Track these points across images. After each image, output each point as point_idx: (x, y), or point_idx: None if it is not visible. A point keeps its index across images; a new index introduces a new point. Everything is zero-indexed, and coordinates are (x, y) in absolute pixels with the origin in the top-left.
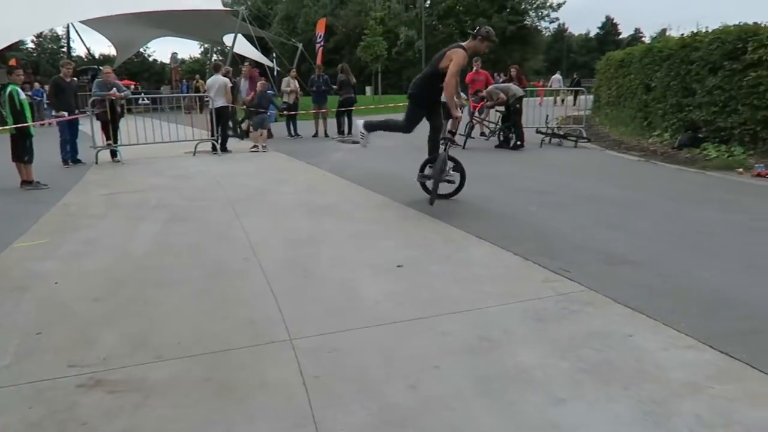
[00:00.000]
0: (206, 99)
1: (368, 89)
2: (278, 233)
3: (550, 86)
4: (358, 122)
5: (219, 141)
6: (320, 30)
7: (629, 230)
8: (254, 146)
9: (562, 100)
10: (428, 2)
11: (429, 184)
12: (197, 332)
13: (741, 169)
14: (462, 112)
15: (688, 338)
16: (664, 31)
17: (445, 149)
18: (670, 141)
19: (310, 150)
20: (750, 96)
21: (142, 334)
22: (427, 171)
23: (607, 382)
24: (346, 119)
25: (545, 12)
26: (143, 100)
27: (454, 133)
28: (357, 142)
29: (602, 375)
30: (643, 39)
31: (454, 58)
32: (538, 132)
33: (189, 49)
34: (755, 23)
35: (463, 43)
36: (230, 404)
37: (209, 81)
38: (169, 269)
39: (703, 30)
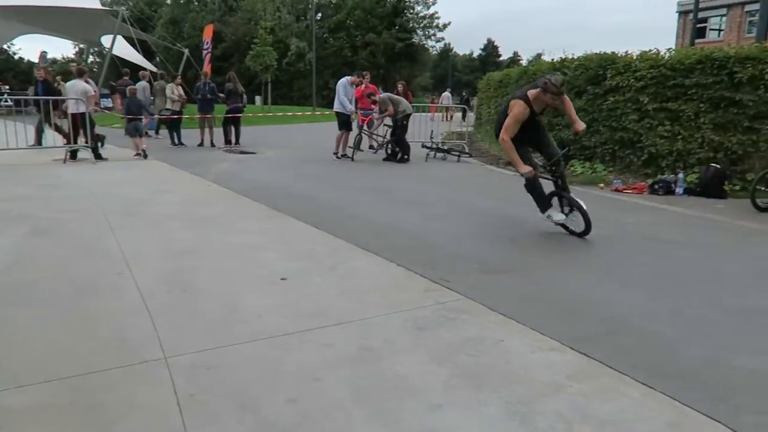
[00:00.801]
0: (64, 105)
1: (258, 99)
2: (156, 246)
3: (441, 103)
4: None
5: (92, 148)
6: (207, 36)
7: (504, 241)
8: (137, 153)
9: (451, 116)
10: (319, 15)
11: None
12: (61, 354)
13: (602, 185)
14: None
15: (552, 341)
16: (539, 55)
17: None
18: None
19: (195, 160)
20: (609, 118)
21: None
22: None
23: (479, 386)
24: (233, 128)
25: (432, 31)
26: (6, 101)
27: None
28: (247, 152)
29: (476, 379)
30: (520, 62)
31: (514, 110)
32: (423, 147)
33: (62, 48)
34: (613, 53)
35: (530, 92)
36: (95, 430)
37: (68, 84)
38: (31, 286)
39: (570, 56)
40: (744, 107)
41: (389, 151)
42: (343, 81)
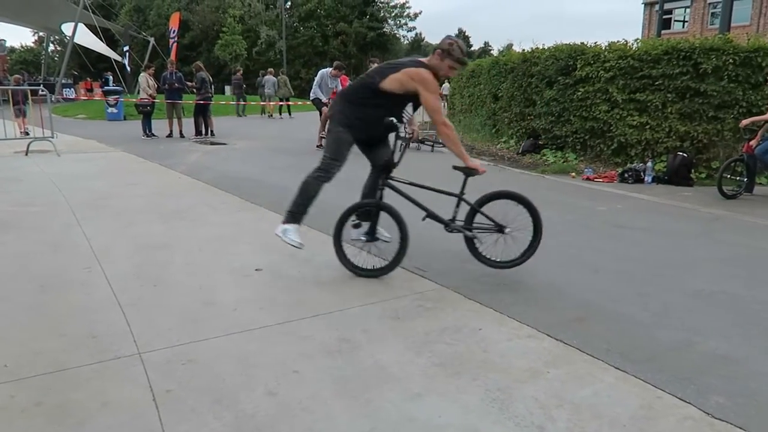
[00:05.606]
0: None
1: (228, 89)
2: (126, 240)
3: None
4: (284, 229)
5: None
6: (174, 25)
7: None
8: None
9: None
10: (289, 3)
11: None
12: (27, 352)
13: (573, 173)
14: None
15: (529, 328)
16: (509, 45)
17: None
18: (515, 147)
19: (164, 151)
20: (579, 108)
21: None
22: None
23: (458, 374)
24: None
25: (403, 21)
26: None
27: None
28: (218, 143)
29: (454, 368)
30: (491, 52)
31: (430, 85)
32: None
33: (21, 36)
34: (582, 43)
35: (429, 60)
36: (65, 430)
37: None
38: None
39: (541, 47)
40: (709, 97)
41: None
42: (322, 72)
